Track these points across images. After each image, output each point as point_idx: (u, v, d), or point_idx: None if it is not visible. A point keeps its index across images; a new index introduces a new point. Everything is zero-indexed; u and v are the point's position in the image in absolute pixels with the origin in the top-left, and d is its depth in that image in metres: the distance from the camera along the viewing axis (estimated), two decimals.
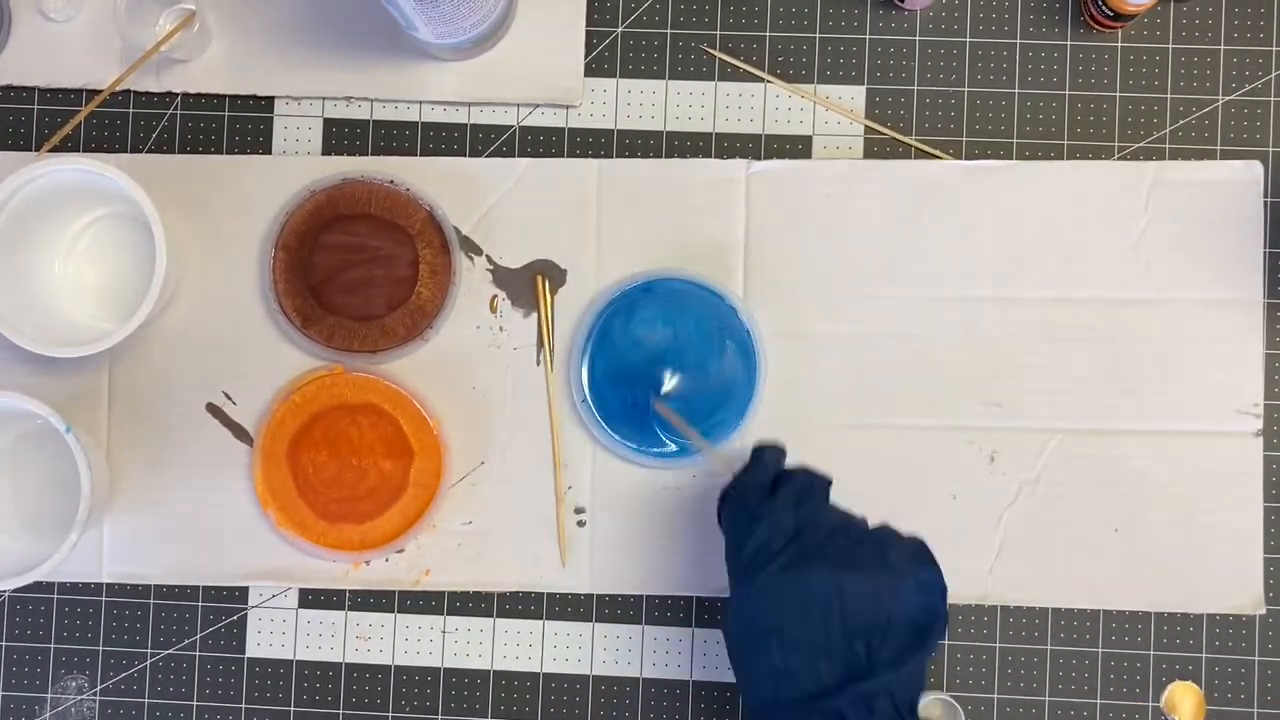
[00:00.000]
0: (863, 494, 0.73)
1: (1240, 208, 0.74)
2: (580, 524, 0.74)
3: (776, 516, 0.61)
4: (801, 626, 0.58)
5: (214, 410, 0.75)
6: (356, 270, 0.74)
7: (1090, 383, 0.74)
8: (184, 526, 0.75)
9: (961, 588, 0.73)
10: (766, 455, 0.64)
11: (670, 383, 0.73)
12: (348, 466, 0.74)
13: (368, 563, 0.75)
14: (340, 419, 0.74)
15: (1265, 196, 0.74)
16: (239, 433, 0.75)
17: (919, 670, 0.59)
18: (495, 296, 0.75)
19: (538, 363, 0.75)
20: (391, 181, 0.74)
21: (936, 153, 0.75)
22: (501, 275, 0.75)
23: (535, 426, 0.75)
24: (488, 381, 0.75)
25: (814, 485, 0.63)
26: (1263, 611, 0.73)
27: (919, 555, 0.61)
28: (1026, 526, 0.74)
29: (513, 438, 0.75)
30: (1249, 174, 0.74)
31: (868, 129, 0.76)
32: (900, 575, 0.60)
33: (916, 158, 0.75)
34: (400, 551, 0.75)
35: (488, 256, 0.75)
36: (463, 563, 0.75)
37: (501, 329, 0.75)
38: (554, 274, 0.75)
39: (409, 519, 0.74)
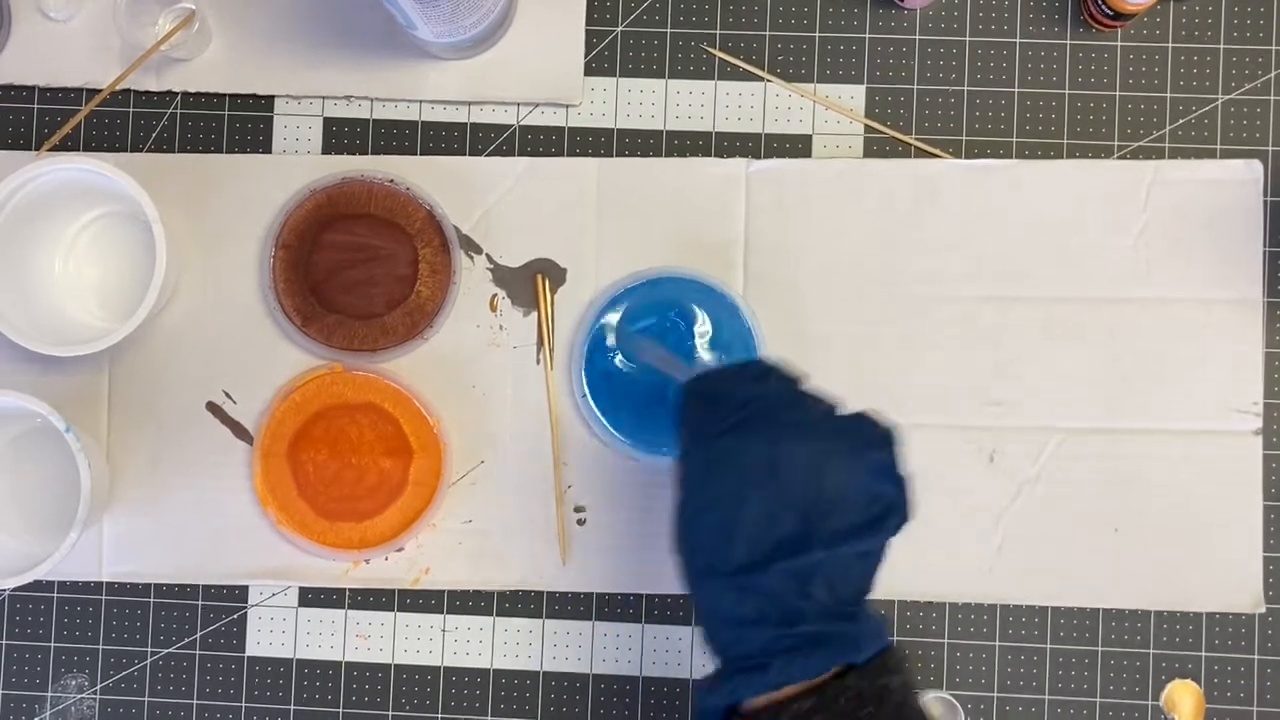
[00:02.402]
0: None
1: (1240, 207, 0.74)
2: (580, 522, 0.75)
3: (728, 388, 0.58)
4: (736, 496, 0.55)
5: (214, 409, 0.75)
6: (356, 269, 0.74)
7: (1090, 382, 0.74)
8: (184, 525, 0.75)
9: (961, 586, 0.74)
10: (745, 361, 0.62)
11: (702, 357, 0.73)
12: (347, 465, 0.74)
13: (367, 561, 0.75)
14: (340, 418, 0.74)
15: (1265, 195, 0.74)
16: (239, 431, 0.75)
17: (864, 558, 0.56)
18: (495, 295, 0.75)
19: (538, 361, 0.75)
20: (391, 180, 0.74)
21: (936, 152, 0.75)
22: (501, 274, 0.75)
23: (535, 425, 0.75)
24: (488, 380, 0.75)
25: (777, 370, 0.60)
26: (1262, 610, 0.73)
27: (879, 440, 0.57)
28: (1026, 525, 0.74)
29: (512, 436, 0.75)
30: (1248, 173, 0.74)
31: (867, 128, 0.76)
32: (850, 454, 0.56)
33: (916, 157, 0.75)
34: (400, 550, 0.75)
35: (488, 255, 0.75)
36: (462, 561, 0.75)
37: (501, 328, 0.75)
38: (554, 273, 0.75)
39: (409, 518, 0.74)
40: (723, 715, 0.56)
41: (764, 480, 0.55)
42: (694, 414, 0.60)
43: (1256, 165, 0.74)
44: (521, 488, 0.75)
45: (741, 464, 0.56)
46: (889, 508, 0.56)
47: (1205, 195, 0.74)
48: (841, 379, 0.74)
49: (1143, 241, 0.74)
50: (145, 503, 0.75)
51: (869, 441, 0.57)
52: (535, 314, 0.75)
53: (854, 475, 0.56)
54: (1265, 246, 0.74)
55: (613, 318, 0.74)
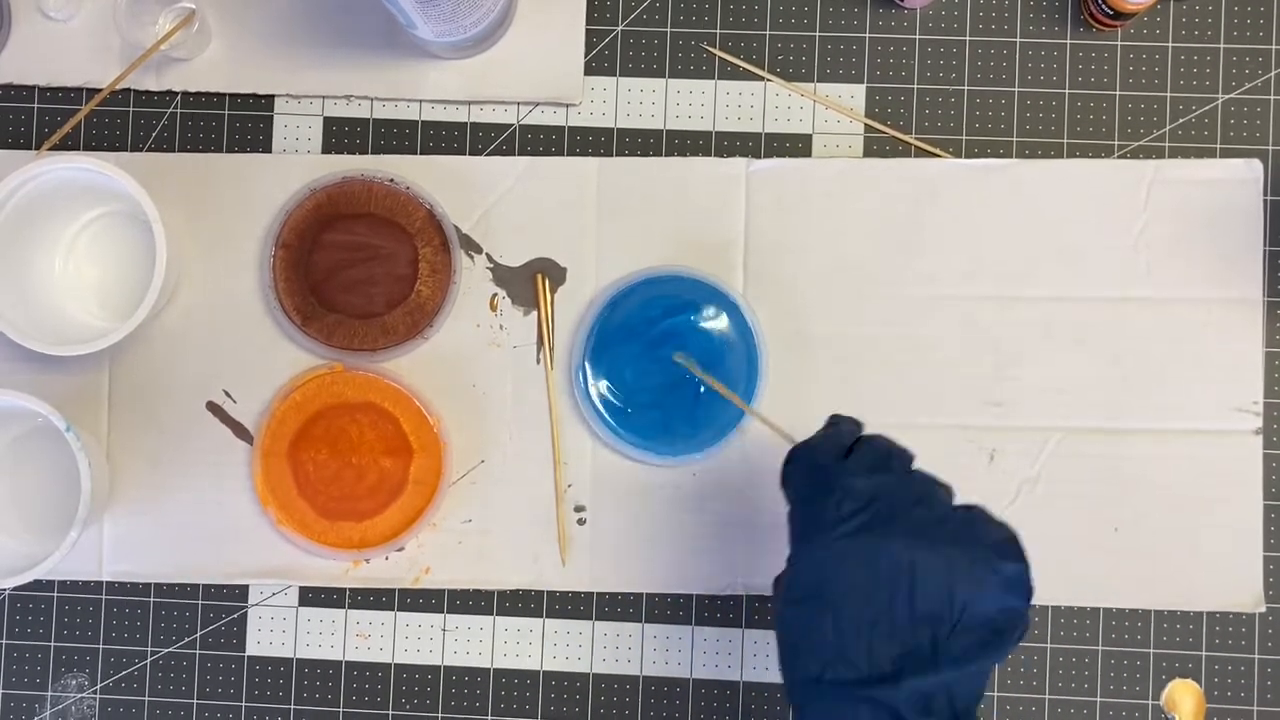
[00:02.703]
0: None
1: (1240, 206, 0.74)
2: (580, 522, 0.75)
3: (850, 479, 0.55)
4: (863, 601, 0.53)
5: (214, 409, 0.75)
6: (356, 268, 0.74)
7: (1090, 381, 0.74)
8: (184, 525, 0.75)
9: None
10: (844, 423, 0.60)
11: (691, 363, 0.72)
12: (348, 465, 0.74)
13: (368, 561, 0.75)
14: (340, 417, 0.74)
15: (1265, 195, 0.74)
16: (239, 431, 0.75)
17: (986, 672, 0.53)
18: (495, 295, 0.75)
19: (538, 361, 0.75)
20: (391, 180, 0.74)
21: (936, 151, 0.75)
22: (501, 273, 0.75)
23: (535, 425, 0.75)
24: (488, 380, 0.75)
25: (893, 452, 0.58)
26: (1262, 609, 0.73)
27: (1006, 547, 0.55)
28: (1026, 525, 0.72)
29: (513, 436, 0.75)
30: (1249, 172, 0.74)
31: (868, 127, 0.76)
32: (982, 565, 0.54)
33: (916, 156, 0.75)
34: (400, 550, 0.75)
35: (488, 255, 0.75)
36: (463, 561, 0.75)
37: (501, 327, 0.75)
38: (554, 272, 0.75)
39: (409, 517, 0.74)
40: None
41: (896, 588, 0.53)
42: (806, 495, 0.57)
43: (1256, 165, 0.74)
44: (521, 487, 0.75)
45: (873, 568, 0.53)
46: (1014, 619, 0.54)
47: (1205, 195, 0.74)
48: (841, 379, 0.74)
49: (1143, 241, 0.74)
50: (145, 502, 0.75)
51: (1000, 550, 0.55)
52: (535, 313, 0.75)
53: (989, 589, 0.54)
54: (1265, 246, 0.74)
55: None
